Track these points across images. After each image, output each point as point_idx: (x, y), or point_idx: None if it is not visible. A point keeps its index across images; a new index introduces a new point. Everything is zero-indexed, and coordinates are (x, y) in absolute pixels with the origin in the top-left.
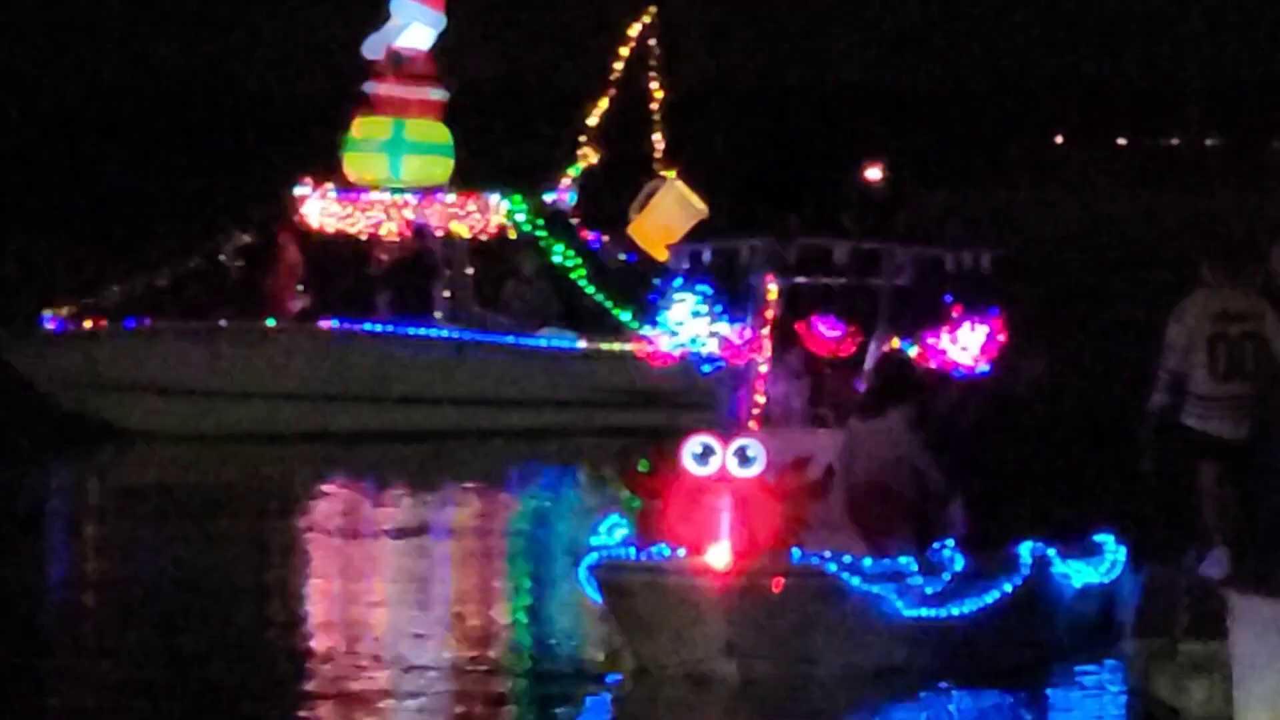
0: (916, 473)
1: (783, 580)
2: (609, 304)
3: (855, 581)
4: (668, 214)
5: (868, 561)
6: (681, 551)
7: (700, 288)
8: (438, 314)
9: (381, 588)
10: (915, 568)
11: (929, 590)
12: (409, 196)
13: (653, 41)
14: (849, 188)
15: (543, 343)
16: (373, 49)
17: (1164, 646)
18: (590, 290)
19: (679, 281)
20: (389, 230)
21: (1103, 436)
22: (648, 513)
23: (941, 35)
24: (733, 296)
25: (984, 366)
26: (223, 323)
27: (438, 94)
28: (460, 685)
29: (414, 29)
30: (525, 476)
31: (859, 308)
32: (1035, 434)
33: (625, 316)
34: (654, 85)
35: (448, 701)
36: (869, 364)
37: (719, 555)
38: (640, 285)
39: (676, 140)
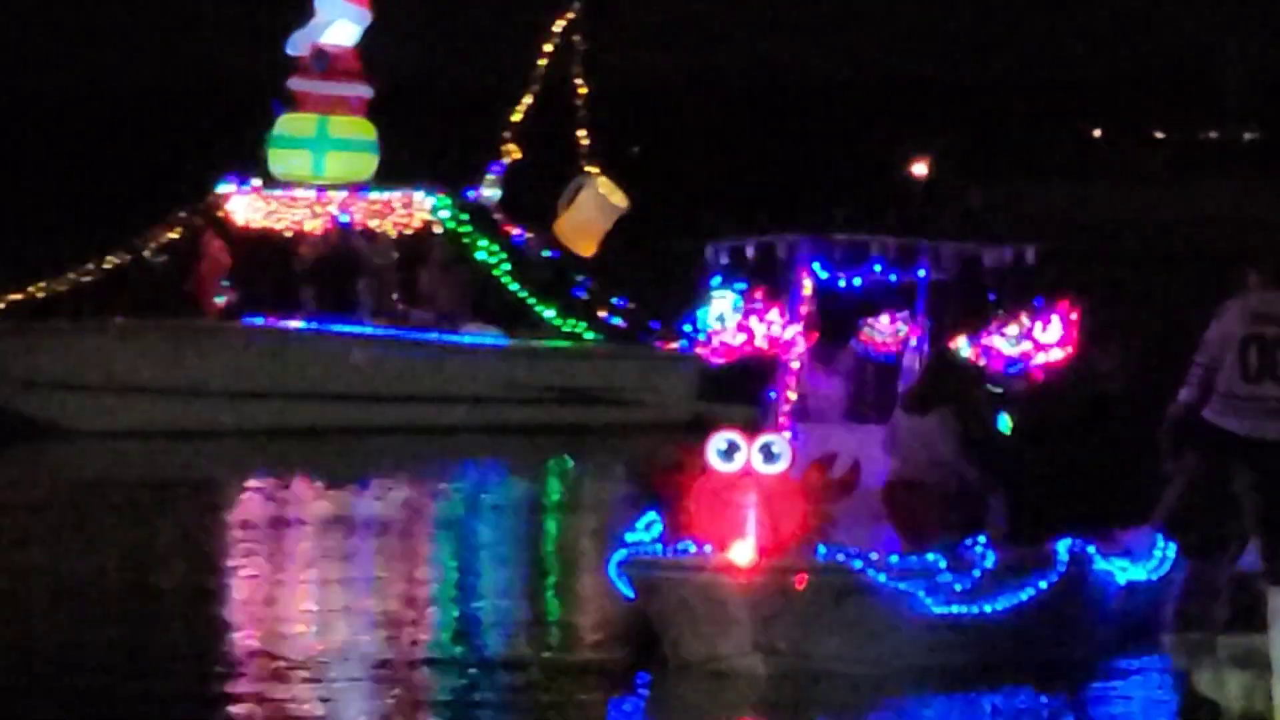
0: (955, 471)
1: (806, 577)
2: (532, 300)
3: (881, 578)
4: (592, 211)
5: (894, 558)
6: (708, 548)
7: (739, 285)
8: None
9: (312, 579)
10: (944, 564)
11: (958, 587)
12: (333, 193)
13: (577, 37)
14: (893, 183)
15: (466, 339)
16: (297, 46)
17: (1204, 641)
18: (514, 287)
19: (718, 279)
20: (313, 227)
21: (1142, 433)
22: (674, 509)
23: (978, 29)
24: (772, 292)
25: (1061, 353)
26: (149, 320)
27: (362, 90)
28: (465, 680)
29: (339, 25)
30: (449, 472)
31: (899, 303)
32: (1081, 430)
33: (549, 313)
34: (578, 82)
35: (466, 696)
36: (908, 359)
37: (744, 552)
38: (563, 282)
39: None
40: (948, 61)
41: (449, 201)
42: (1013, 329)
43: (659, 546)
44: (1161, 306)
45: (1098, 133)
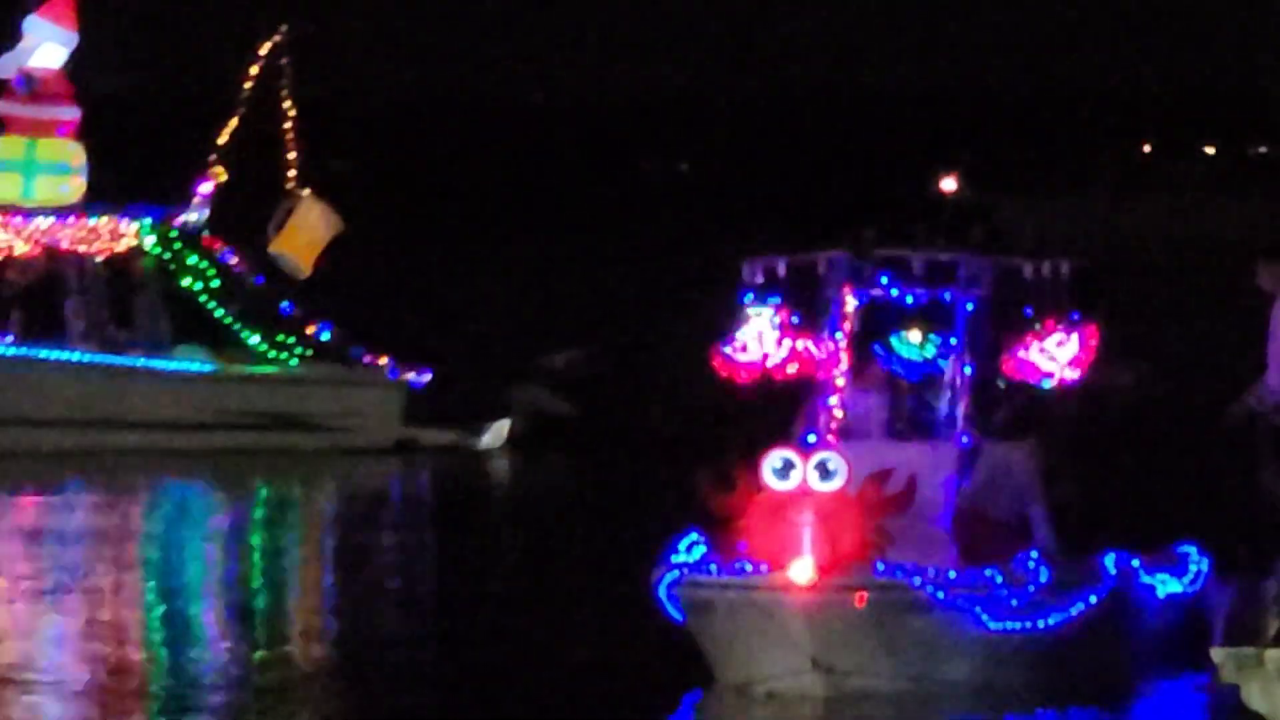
0: (1027, 503)
1: (866, 594)
2: (239, 325)
3: (940, 595)
4: (308, 230)
5: (952, 574)
6: (764, 567)
7: (772, 300)
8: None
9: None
10: (1000, 580)
11: (1014, 603)
12: (41, 218)
13: (285, 60)
14: (925, 198)
15: (173, 365)
16: (5, 69)
17: (1253, 654)
18: (220, 312)
19: (750, 296)
20: (22, 251)
21: (1191, 447)
22: (729, 529)
23: (1026, 40)
24: (809, 310)
25: (1072, 374)
26: None
27: (70, 113)
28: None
29: (45, 48)
30: (149, 497)
31: (937, 319)
32: (1123, 444)
33: (255, 338)
34: (286, 104)
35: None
36: (949, 376)
37: (802, 570)
38: (271, 306)
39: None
40: (989, 75)
41: (155, 225)
42: (1050, 343)
43: (713, 566)
44: (1199, 323)
45: (1147, 148)
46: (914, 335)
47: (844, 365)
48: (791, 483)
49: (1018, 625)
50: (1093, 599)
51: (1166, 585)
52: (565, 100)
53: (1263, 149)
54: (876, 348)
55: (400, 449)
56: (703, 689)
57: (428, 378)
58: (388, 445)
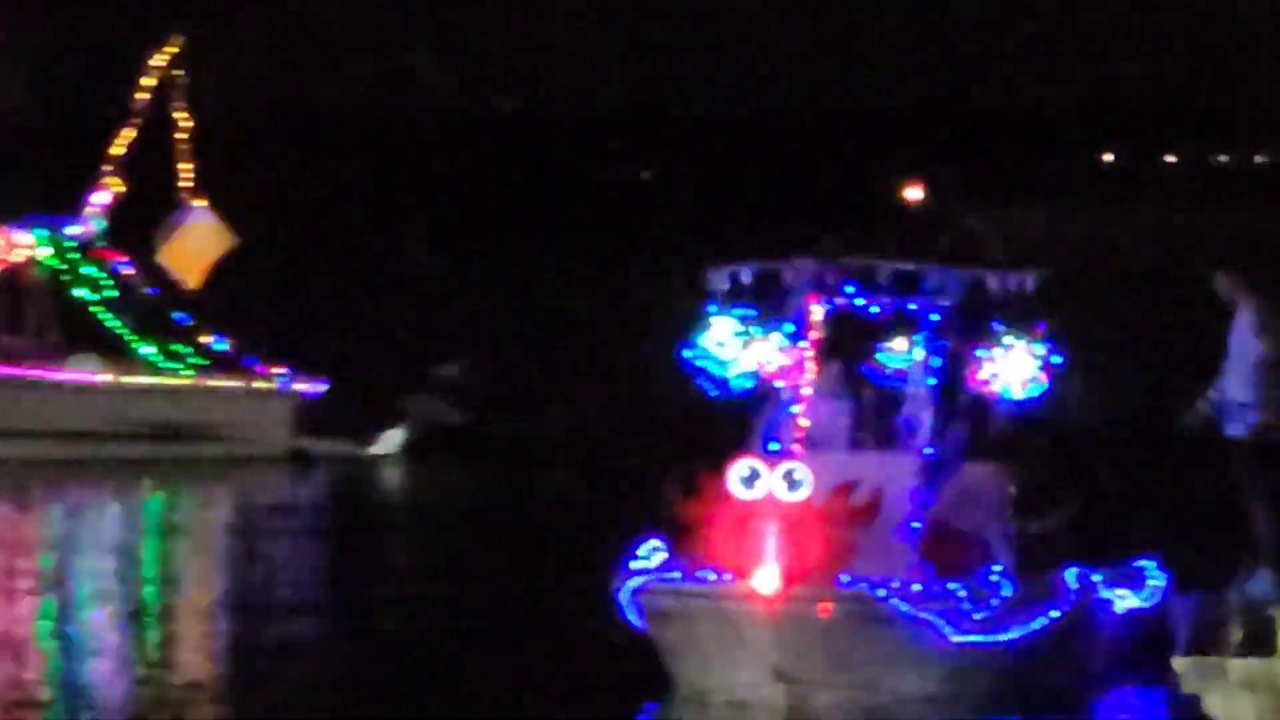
0: (989, 528)
1: (830, 605)
2: (132, 336)
3: (904, 607)
4: (197, 242)
5: (916, 587)
6: (728, 576)
7: (737, 310)
8: None
9: None
10: (964, 593)
11: (977, 616)
12: None
13: (179, 71)
14: (889, 207)
15: (67, 375)
16: None
17: (1216, 664)
18: (114, 323)
19: (714, 308)
20: None
21: (1147, 459)
22: (693, 537)
23: (991, 50)
24: (775, 317)
25: (1035, 389)
26: None
27: None
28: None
29: None
30: (48, 507)
31: (903, 330)
32: (1081, 457)
33: (148, 349)
34: (180, 115)
35: None
36: (912, 388)
37: (766, 580)
38: (164, 317)
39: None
40: (954, 85)
41: (50, 235)
42: (1014, 356)
43: (677, 574)
44: (1165, 331)
45: (1109, 157)
46: (899, 344)
47: (811, 375)
48: (757, 492)
49: (980, 639)
50: (1054, 613)
51: (1126, 600)
52: (485, 108)
53: (1224, 158)
54: (847, 359)
55: (294, 458)
56: (660, 698)
57: (322, 388)
58: (281, 455)
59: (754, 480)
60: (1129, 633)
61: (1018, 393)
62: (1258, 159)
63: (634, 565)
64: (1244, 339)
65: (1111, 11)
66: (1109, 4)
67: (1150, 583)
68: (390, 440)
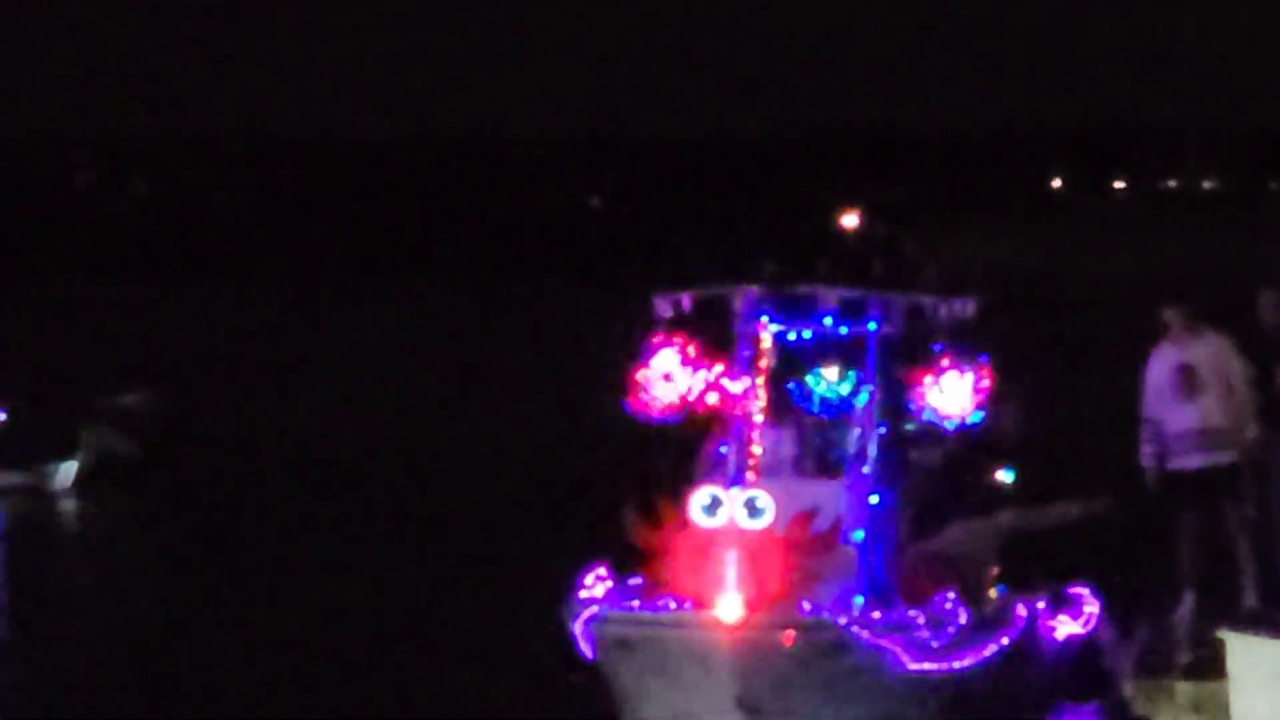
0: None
1: (793, 633)
2: None
3: (864, 634)
4: None
5: (876, 614)
6: (688, 605)
7: (678, 337)
8: None
9: None
10: (922, 620)
11: (934, 644)
12: None
13: None
14: (826, 234)
15: None
16: None
17: (1164, 687)
18: None
19: (656, 330)
20: None
21: (1090, 485)
22: (652, 565)
23: (936, 78)
24: (719, 344)
25: (975, 416)
26: None
27: None
28: None
29: None
30: None
31: (846, 357)
32: (1020, 484)
33: None
34: None
35: None
36: (859, 415)
37: (729, 608)
38: None
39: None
40: (894, 111)
41: None
42: (953, 382)
43: (635, 602)
44: (1108, 358)
45: (1057, 182)
46: (830, 373)
47: (761, 401)
48: (719, 520)
49: (934, 666)
50: (1004, 641)
51: (1066, 627)
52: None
53: (1172, 183)
54: (792, 386)
55: None
56: None
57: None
58: None
59: (716, 508)
60: (1068, 658)
61: (955, 418)
62: (1205, 184)
63: (582, 595)
64: (1217, 364)
65: (1062, 39)
66: (1060, 31)
67: (1086, 609)
68: (65, 472)
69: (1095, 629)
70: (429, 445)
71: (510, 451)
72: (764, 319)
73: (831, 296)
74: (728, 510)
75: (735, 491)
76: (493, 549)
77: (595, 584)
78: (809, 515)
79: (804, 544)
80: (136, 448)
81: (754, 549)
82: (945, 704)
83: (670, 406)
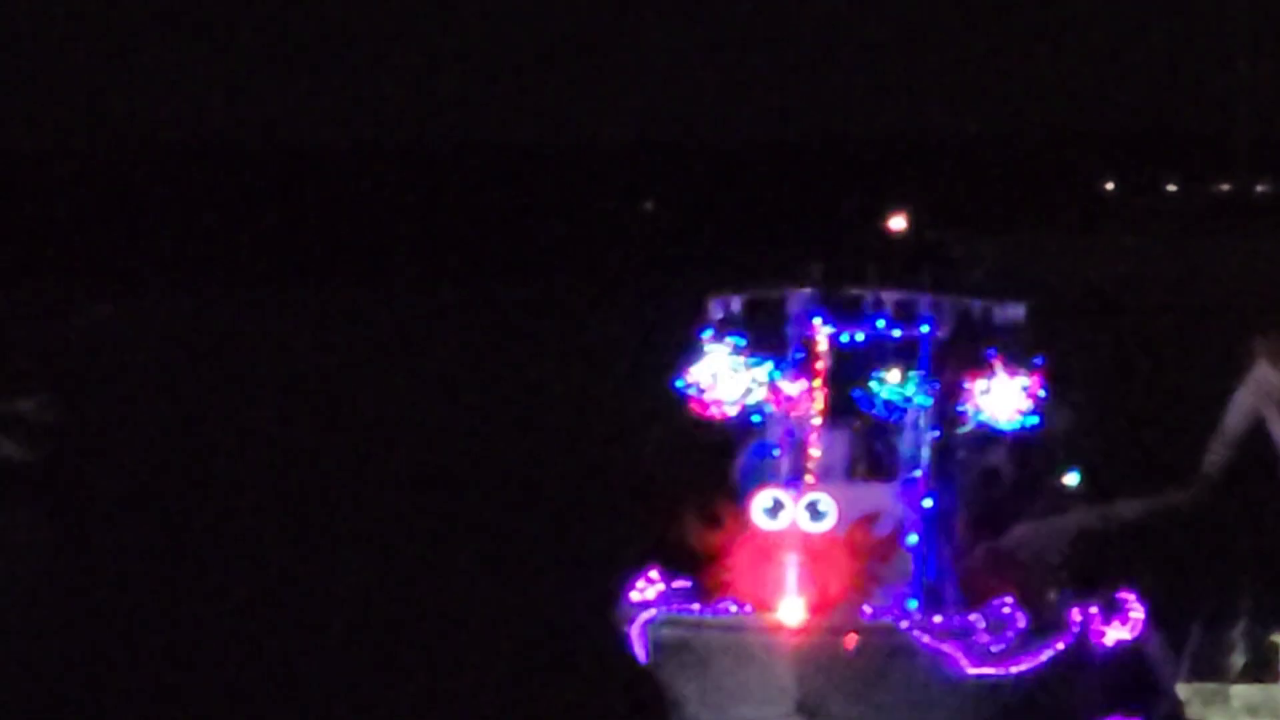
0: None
1: (855, 637)
2: None
3: (926, 639)
4: None
5: (938, 618)
6: (749, 608)
7: (733, 338)
8: None
9: None
10: (983, 625)
11: (993, 649)
12: None
13: None
14: (877, 237)
15: None
16: None
17: (1219, 690)
18: None
19: (709, 332)
20: None
21: (1150, 488)
22: (712, 568)
23: (988, 81)
24: (772, 346)
25: (1030, 419)
26: None
27: None
28: None
29: None
30: None
31: (900, 360)
32: (1086, 487)
33: None
34: None
35: None
36: (912, 416)
37: (792, 611)
38: None
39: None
40: (948, 113)
41: None
42: (1006, 386)
43: (695, 605)
44: (1166, 363)
45: (1109, 185)
46: (893, 376)
47: (819, 404)
48: (781, 523)
49: (992, 671)
50: (1060, 646)
51: (1115, 633)
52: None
53: (1226, 186)
54: (855, 390)
55: None
56: None
57: None
58: None
59: (777, 511)
60: (1115, 665)
61: (1007, 423)
62: (1259, 188)
63: (634, 598)
64: None
65: (1111, 40)
66: (1109, 33)
67: (1132, 615)
68: None
69: (1142, 635)
70: (477, 449)
71: (558, 455)
72: (818, 321)
73: (885, 299)
74: (790, 513)
75: (797, 494)
76: (539, 552)
77: (647, 587)
78: (871, 518)
79: (866, 547)
80: (29, 454)
81: (816, 552)
82: (1000, 710)
83: (722, 408)
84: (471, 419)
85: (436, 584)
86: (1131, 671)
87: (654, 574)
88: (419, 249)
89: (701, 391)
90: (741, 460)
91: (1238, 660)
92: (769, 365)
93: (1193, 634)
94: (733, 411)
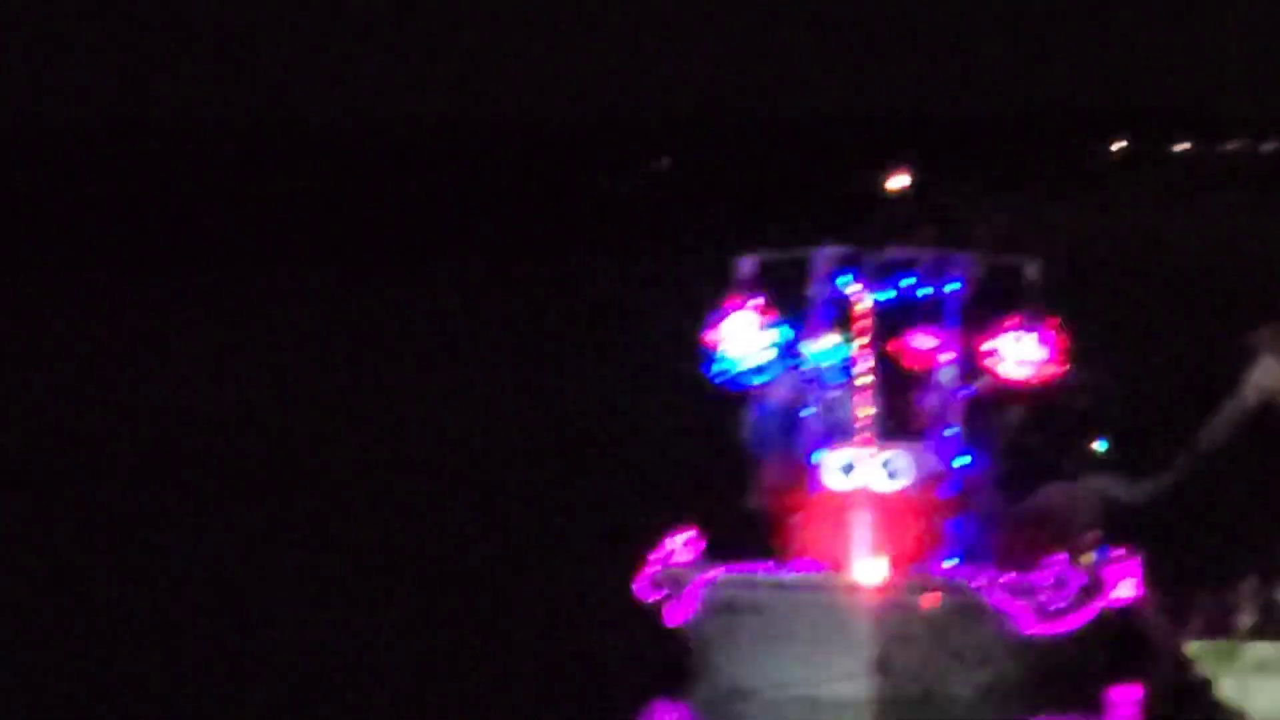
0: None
1: (935, 596)
2: None
3: (997, 597)
4: None
5: (1005, 578)
6: (824, 568)
7: (758, 298)
8: None
9: None
10: (1048, 584)
11: (1054, 608)
12: None
13: None
14: (872, 195)
15: None
16: None
17: (1230, 648)
18: None
19: (734, 292)
20: None
21: (1158, 449)
22: (784, 528)
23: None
24: (797, 307)
25: (1053, 373)
26: None
27: None
28: None
29: None
30: None
31: (926, 318)
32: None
33: None
34: None
35: None
36: (942, 375)
37: (871, 571)
38: None
39: None
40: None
41: None
42: (1023, 342)
43: (759, 567)
44: (1170, 323)
45: (1116, 146)
46: (920, 333)
47: (869, 363)
48: (855, 482)
49: (1050, 628)
50: (1100, 605)
51: (1122, 590)
52: None
53: (1233, 145)
54: (886, 356)
55: None
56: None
57: None
58: None
59: (851, 470)
60: (1117, 624)
61: (1028, 380)
62: (1263, 147)
63: (675, 559)
64: None
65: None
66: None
67: (1131, 575)
68: None
69: (1139, 595)
70: (504, 418)
71: (581, 419)
72: (851, 280)
73: (912, 257)
74: (864, 473)
75: (853, 454)
76: (562, 520)
77: (684, 549)
78: (939, 477)
79: (936, 506)
80: None
81: (890, 511)
82: (1046, 668)
83: (748, 368)
84: (498, 390)
85: (468, 554)
86: (1130, 631)
87: (691, 534)
88: (442, 220)
89: (726, 352)
90: (752, 421)
91: (1246, 618)
92: (789, 326)
93: (1199, 594)
94: (758, 373)
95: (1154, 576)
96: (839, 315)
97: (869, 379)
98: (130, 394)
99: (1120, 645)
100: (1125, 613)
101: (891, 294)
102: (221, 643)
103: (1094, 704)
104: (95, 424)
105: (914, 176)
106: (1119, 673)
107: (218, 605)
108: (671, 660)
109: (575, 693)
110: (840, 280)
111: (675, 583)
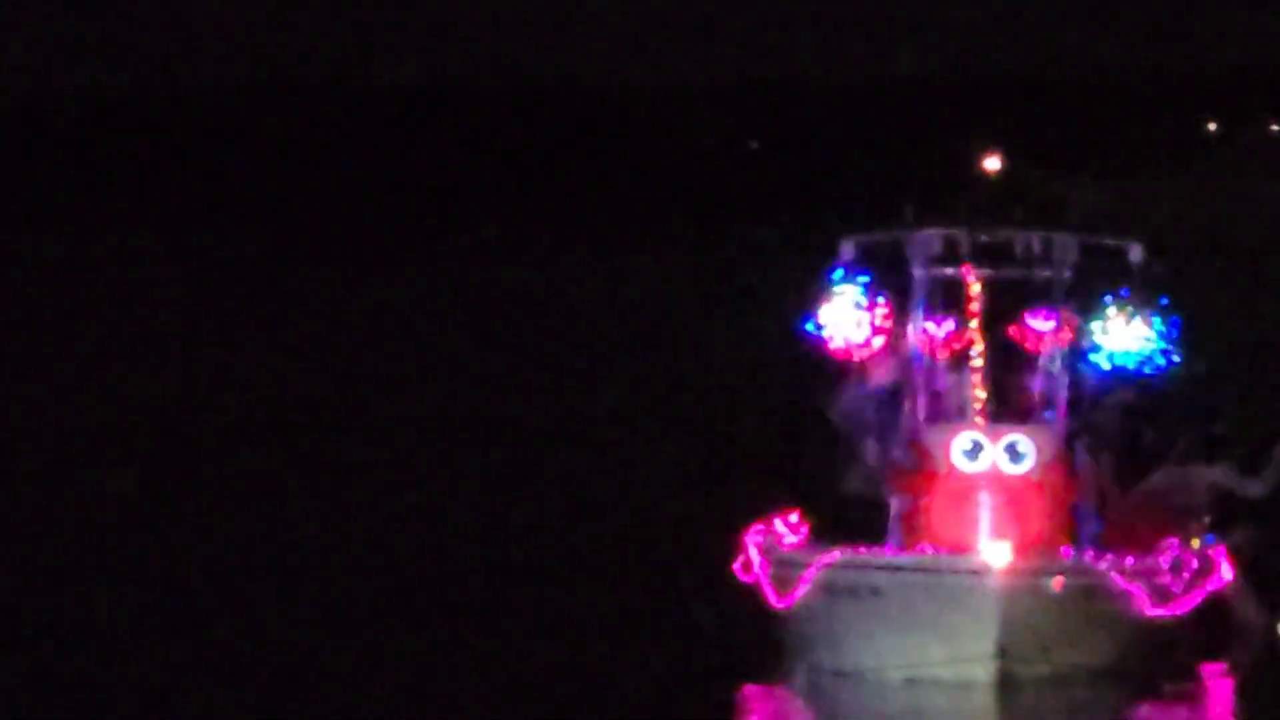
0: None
1: (1063, 579)
2: None
3: (1122, 580)
4: None
5: (1128, 560)
6: (949, 550)
7: (860, 279)
8: None
9: None
10: (1167, 567)
11: (1171, 591)
12: None
13: None
14: (967, 177)
15: None
16: None
17: None
18: None
19: (840, 273)
20: None
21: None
22: (908, 510)
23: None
24: (896, 289)
25: (1159, 360)
26: None
27: None
28: None
29: None
30: None
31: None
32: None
33: None
34: None
35: None
36: (1046, 359)
37: (1000, 553)
38: None
39: None
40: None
41: None
42: (1132, 326)
43: (882, 550)
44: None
45: (1213, 125)
46: (1030, 315)
47: (979, 345)
48: (980, 465)
49: (1165, 611)
50: (1210, 590)
51: (1225, 573)
52: None
53: None
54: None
55: None
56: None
57: None
58: None
59: (977, 452)
60: (1208, 609)
61: (1133, 363)
62: None
63: (786, 541)
64: None
65: None
66: None
67: (1224, 561)
68: None
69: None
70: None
71: (676, 400)
72: (964, 262)
73: (1023, 240)
74: (989, 455)
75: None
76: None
77: (788, 531)
78: (1060, 459)
79: (1064, 489)
80: None
81: (1015, 494)
82: (1159, 647)
83: (852, 348)
84: (597, 370)
85: (569, 534)
86: (1222, 610)
87: (793, 518)
88: (524, 193)
89: (830, 333)
90: (850, 403)
91: None
92: (892, 307)
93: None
94: (861, 353)
95: (1245, 558)
96: (947, 297)
97: (980, 361)
98: (128, 387)
99: (1213, 624)
100: (1218, 593)
101: (998, 276)
102: (259, 633)
103: (1191, 680)
104: (80, 413)
105: (1007, 158)
106: (1212, 650)
107: (245, 594)
108: (770, 642)
109: (673, 675)
110: (945, 263)
111: (787, 565)
